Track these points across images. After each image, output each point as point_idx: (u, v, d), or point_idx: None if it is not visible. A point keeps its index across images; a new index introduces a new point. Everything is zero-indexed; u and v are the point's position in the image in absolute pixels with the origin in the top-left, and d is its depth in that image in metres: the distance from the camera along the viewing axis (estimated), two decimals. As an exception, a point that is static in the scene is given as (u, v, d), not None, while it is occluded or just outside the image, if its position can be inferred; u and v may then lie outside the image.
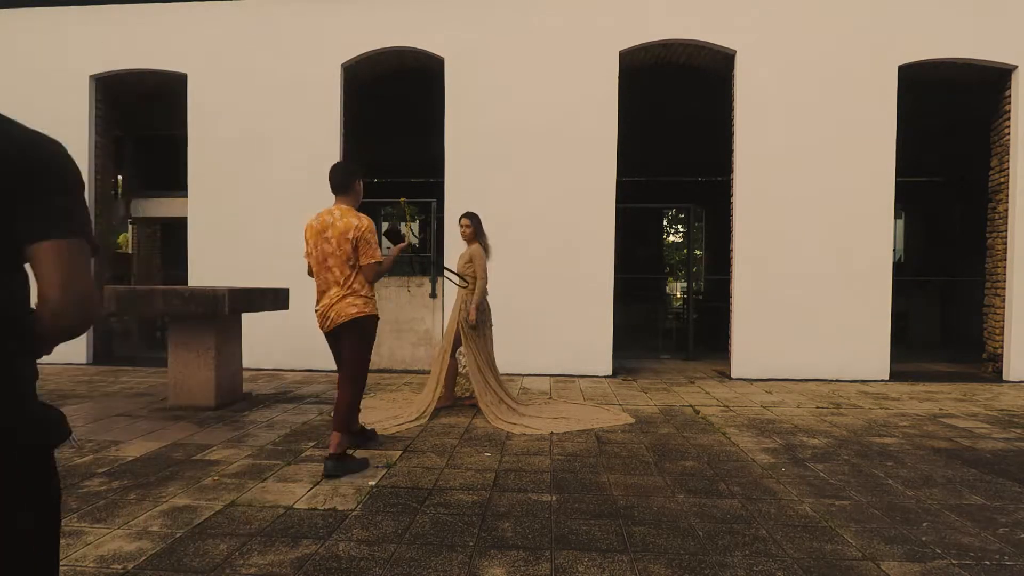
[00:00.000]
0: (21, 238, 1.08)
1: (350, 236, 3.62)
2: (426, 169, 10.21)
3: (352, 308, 3.66)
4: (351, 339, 3.71)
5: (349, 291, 3.67)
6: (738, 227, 7.31)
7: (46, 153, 1.11)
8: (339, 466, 3.55)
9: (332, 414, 3.77)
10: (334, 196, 3.79)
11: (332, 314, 3.68)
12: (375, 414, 5.09)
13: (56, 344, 1.17)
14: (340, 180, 3.77)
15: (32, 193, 1.08)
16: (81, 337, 7.86)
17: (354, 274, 3.67)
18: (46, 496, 1.16)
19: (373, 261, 3.67)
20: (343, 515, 2.94)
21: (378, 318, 3.83)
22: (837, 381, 7.11)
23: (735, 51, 7.31)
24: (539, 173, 7.38)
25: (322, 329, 3.78)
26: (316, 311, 3.76)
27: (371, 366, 7.72)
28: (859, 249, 7.19)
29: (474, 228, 5.29)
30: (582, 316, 7.34)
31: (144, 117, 9.90)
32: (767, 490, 3.35)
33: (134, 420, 4.84)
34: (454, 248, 7.05)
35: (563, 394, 6.16)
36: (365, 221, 3.67)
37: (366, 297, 3.72)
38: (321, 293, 3.74)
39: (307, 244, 3.78)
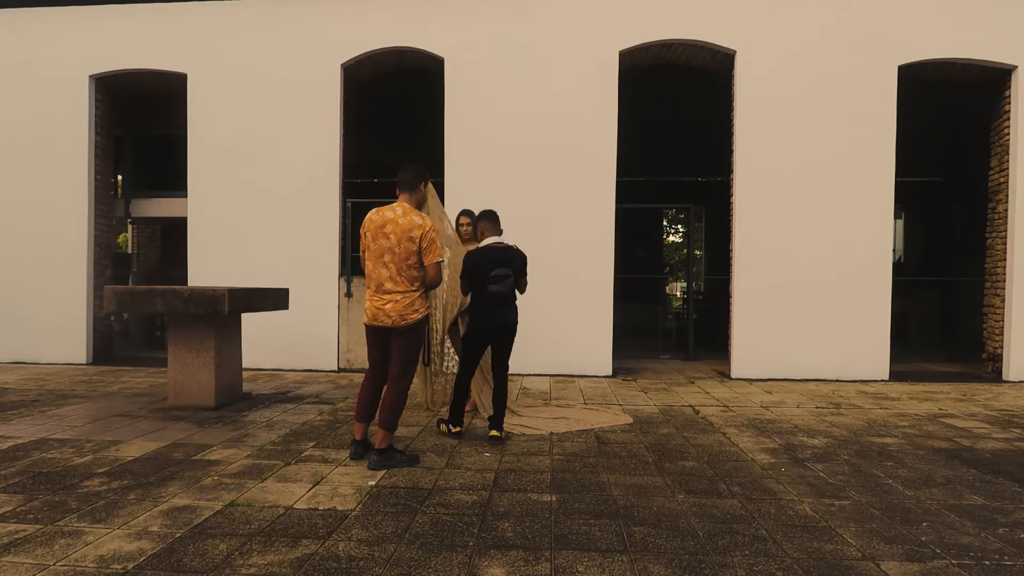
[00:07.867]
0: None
1: (414, 235, 3.68)
2: (426, 169, 10.19)
3: (414, 313, 3.73)
4: (404, 340, 3.77)
5: (406, 292, 3.72)
6: (738, 227, 7.31)
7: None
8: (383, 460, 3.68)
9: (378, 411, 3.79)
10: (398, 192, 3.86)
11: (389, 310, 3.70)
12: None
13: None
14: (410, 179, 3.86)
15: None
16: (81, 337, 7.93)
17: (411, 273, 3.71)
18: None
19: (437, 260, 3.76)
20: (343, 515, 2.94)
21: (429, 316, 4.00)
22: (837, 381, 7.11)
23: (735, 51, 7.31)
24: (539, 173, 7.38)
25: (369, 324, 3.81)
26: (367, 306, 3.80)
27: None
28: (859, 249, 7.19)
29: (474, 228, 5.06)
30: (582, 316, 7.34)
31: (144, 117, 9.90)
32: (767, 490, 3.35)
33: (134, 420, 4.84)
34: (454, 248, 7.05)
35: (563, 394, 6.16)
36: (428, 221, 3.74)
37: (422, 298, 3.79)
38: (377, 286, 3.75)
39: (364, 238, 3.80)
